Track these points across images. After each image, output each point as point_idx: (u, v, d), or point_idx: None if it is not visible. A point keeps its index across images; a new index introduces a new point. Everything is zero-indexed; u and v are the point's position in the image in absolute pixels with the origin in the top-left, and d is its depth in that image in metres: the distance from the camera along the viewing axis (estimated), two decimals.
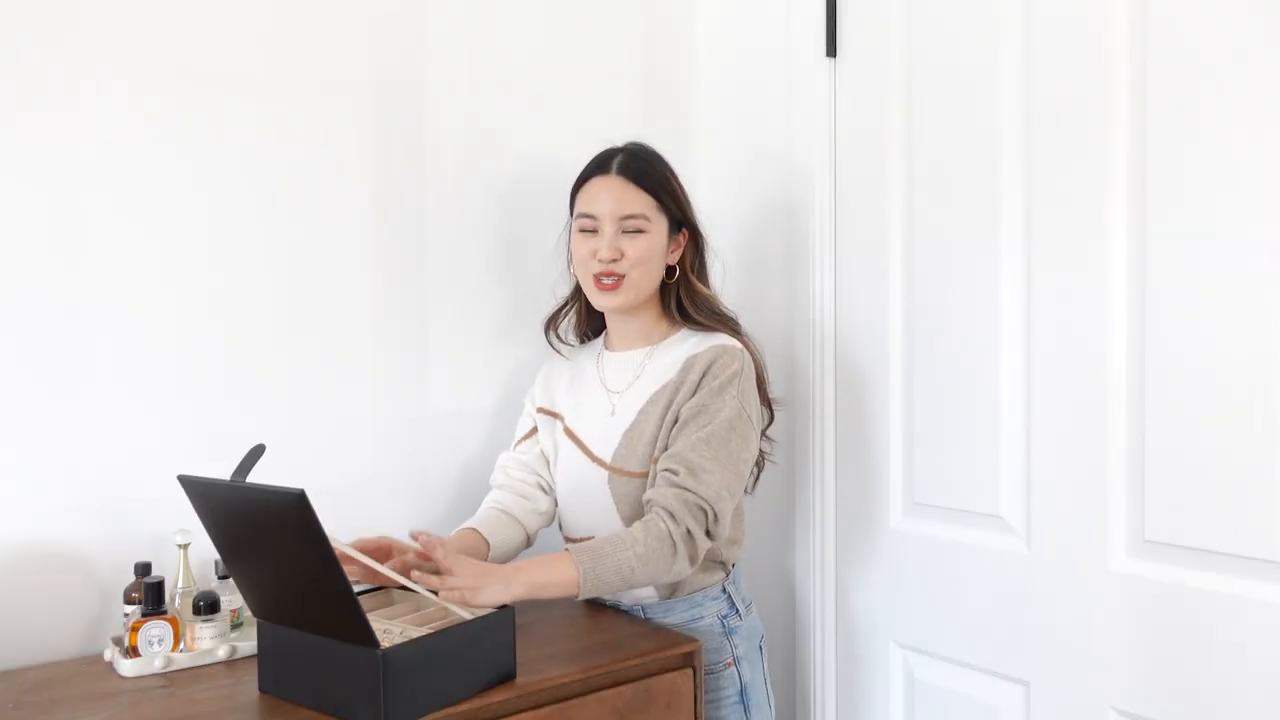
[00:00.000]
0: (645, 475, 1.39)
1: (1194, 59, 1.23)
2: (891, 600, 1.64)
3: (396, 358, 1.67)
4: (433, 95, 1.69)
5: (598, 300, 1.44)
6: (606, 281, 1.41)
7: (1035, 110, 1.41)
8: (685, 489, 1.30)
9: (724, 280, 1.53)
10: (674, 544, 1.28)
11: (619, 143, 1.49)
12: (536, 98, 1.80)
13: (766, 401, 1.48)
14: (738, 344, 1.43)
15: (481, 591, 1.19)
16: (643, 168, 1.43)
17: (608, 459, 1.42)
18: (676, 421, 1.38)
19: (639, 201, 1.41)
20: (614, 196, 1.41)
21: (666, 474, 1.32)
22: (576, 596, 1.26)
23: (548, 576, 1.24)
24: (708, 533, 1.32)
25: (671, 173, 1.47)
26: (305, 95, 1.57)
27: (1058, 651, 1.40)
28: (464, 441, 1.73)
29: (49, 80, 1.37)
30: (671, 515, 1.29)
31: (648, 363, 1.46)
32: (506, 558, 1.47)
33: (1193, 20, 1.23)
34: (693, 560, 1.31)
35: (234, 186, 1.51)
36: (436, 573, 1.20)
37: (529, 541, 1.53)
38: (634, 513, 1.40)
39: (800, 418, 1.78)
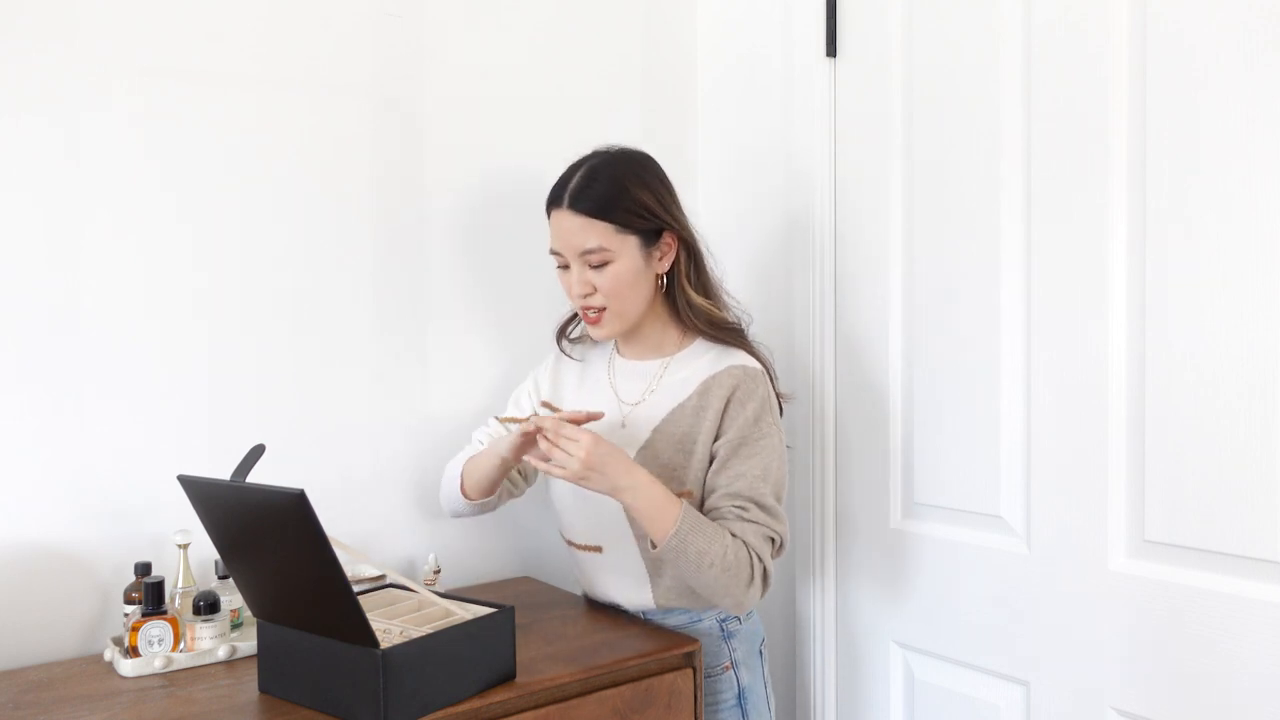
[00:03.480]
0: None
1: (1193, 58, 1.23)
2: (891, 600, 1.64)
3: (396, 358, 1.67)
4: (433, 96, 1.69)
5: (590, 332, 1.43)
6: (591, 315, 1.40)
7: (1035, 109, 1.41)
8: (759, 524, 1.32)
9: (723, 280, 1.50)
10: (752, 574, 1.30)
11: (599, 146, 1.43)
12: (537, 97, 1.80)
13: (780, 405, 1.45)
14: (754, 363, 1.40)
15: (587, 482, 1.26)
16: (596, 193, 1.35)
17: None
18: (712, 460, 1.36)
19: (596, 234, 1.35)
20: (570, 232, 1.36)
21: (737, 509, 1.32)
22: (654, 547, 1.28)
23: (653, 510, 1.27)
24: (772, 562, 1.35)
25: (641, 180, 1.38)
26: (304, 95, 1.57)
27: (1058, 651, 1.40)
28: (464, 442, 1.73)
29: (44, 83, 1.37)
30: (755, 550, 1.30)
31: (663, 375, 1.43)
32: (491, 505, 1.51)
33: (1192, 19, 1.23)
34: (766, 588, 1.33)
35: (234, 188, 1.51)
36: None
37: (494, 509, 1.54)
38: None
39: (800, 418, 1.78)
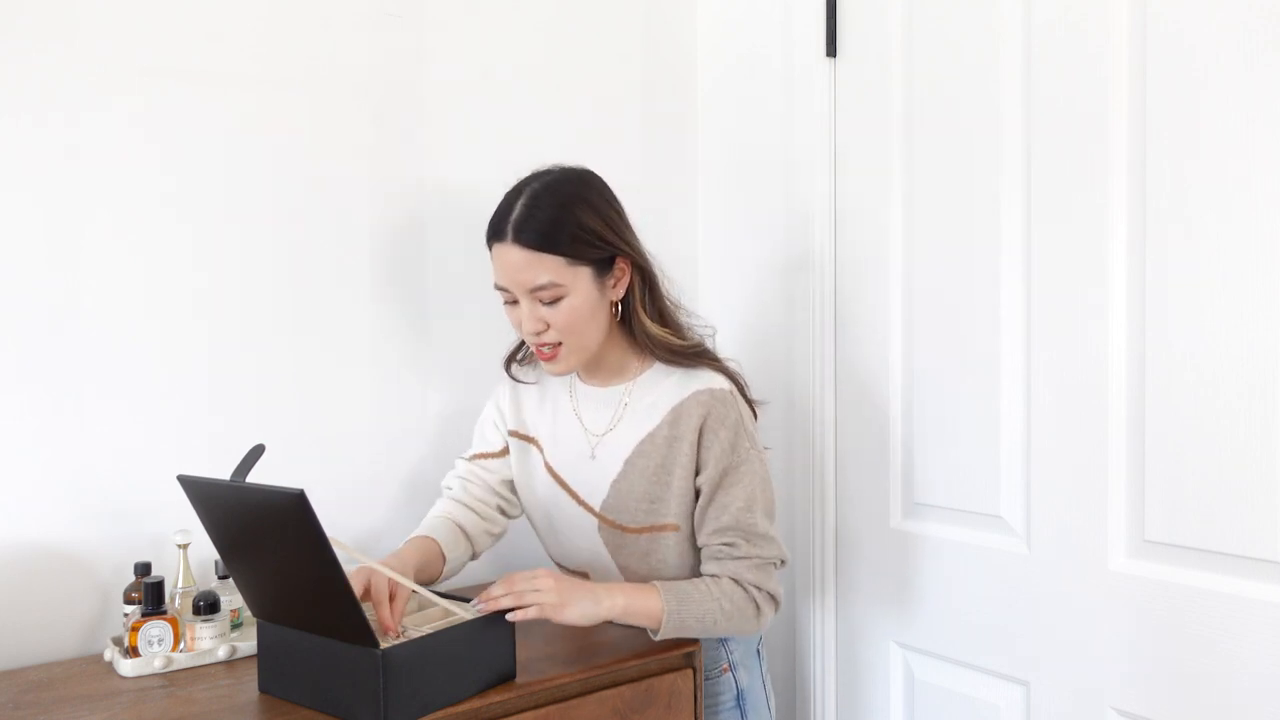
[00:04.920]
0: (641, 531, 1.34)
1: (1193, 58, 1.23)
2: (891, 600, 1.64)
3: (396, 358, 1.67)
4: (432, 97, 1.69)
5: (546, 369, 1.34)
6: (545, 351, 1.31)
7: (1035, 109, 1.41)
8: (751, 558, 1.31)
9: (680, 296, 1.42)
10: (757, 607, 1.31)
11: (538, 167, 1.34)
12: (536, 99, 1.80)
13: (753, 413, 1.40)
14: (720, 383, 1.33)
15: (569, 608, 1.22)
16: (542, 224, 1.25)
17: (596, 506, 1.36)
18: (697, 495, 1.33)
19: (545, 269, 1.25)
20: (517, 268, 1.26)
21: (725, 548, 1.31)
22: (656, 633, 1.27)
23: (636, 604, 1.26)
24: (778, 583, 1.34)
25: (589, 205, 1.29)
26: (304, 95, 1.57)
27: (1058, 651, 1.40)
28: (464, 442, 1.73)
29: (44, 83, 1.37)
30: (752, 584, 1.30)
31: (627, 402, 1.37)
32: (454, 573, 1.43)
33: (1192, 19, 1.23)
34: (777, 607, 1.34)
35: (234, 188, 1.51)
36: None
37: (475, 557, 1.47)
38: (629, 562, 1.37)
39: (800, 418, 1.78)
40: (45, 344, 1.37)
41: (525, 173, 1.36)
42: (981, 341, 1.48)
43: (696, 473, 1.33)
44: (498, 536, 1.50)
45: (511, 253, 1.26)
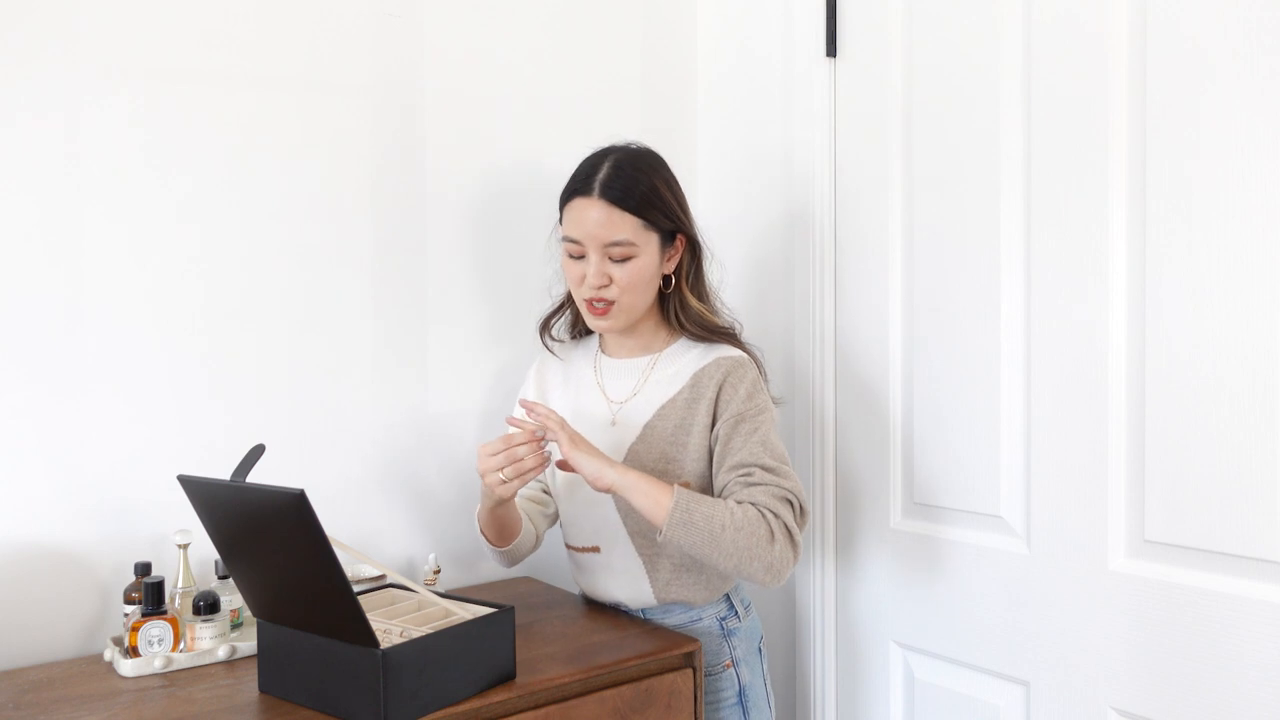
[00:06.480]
0: None
1: (1194, 57, 1.23)
2: (891, 600, 1.64)
3: (395, 358, 1.67)
4: (432, 97, 1.69)
5: (591, 323, 1.41)
6: (599, 306, 1.38)
7: (1035, 110, 1.41)
8: (768, 484, 1.30)
9: (723, 282, 1.49)
10: (771, 530, 1.27)
11: (615, 142, 1.44)
12: (536, 100, 1.80)
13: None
14: (741, 353, 1.42)
15: (582, 451, 1.28)
16: (627, 185, 1.34)
17: None
18: (711, 451, 1.37)
19: (623, 226, 1.34)
20: (596, 222, 1.34)
21: (742, 478, 1.31)
22: (660, 530, 1.26)
23: (645, 484, 1.27)
24: (797, 524, 1.32)
25: (664, 179, 1.40)
26: (304, 95, 1.57)
27: (1058, 651, 1.40)
28: (463, 441, 1.73)
29: (44, 83, 1.37)
30: (768, 509, 1.28)
31: (650, 373, 1.44)
32: (525, 546, 1.48)
33: (1192, 19, 1.23)
34: (795, 551, 1.30)
35: (234, 188, 1.51)
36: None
37: (538, 542, 1.52)
38: (641, 526, 1.39)
39: (800, 418, 1.78)
40: (46, 344, 1.37)
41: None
42: (981, 341, 1.48)
43: (713, 425, 1.37)
44: (552, 516, 1.55)
45: (594, 208, 1.35)
